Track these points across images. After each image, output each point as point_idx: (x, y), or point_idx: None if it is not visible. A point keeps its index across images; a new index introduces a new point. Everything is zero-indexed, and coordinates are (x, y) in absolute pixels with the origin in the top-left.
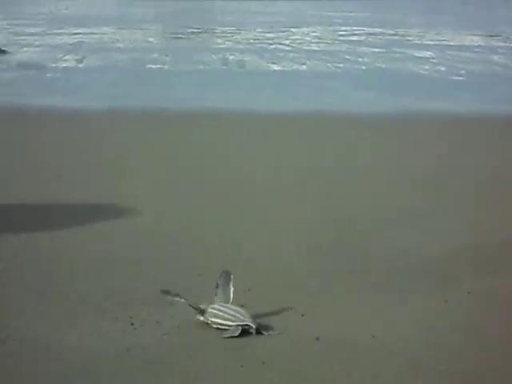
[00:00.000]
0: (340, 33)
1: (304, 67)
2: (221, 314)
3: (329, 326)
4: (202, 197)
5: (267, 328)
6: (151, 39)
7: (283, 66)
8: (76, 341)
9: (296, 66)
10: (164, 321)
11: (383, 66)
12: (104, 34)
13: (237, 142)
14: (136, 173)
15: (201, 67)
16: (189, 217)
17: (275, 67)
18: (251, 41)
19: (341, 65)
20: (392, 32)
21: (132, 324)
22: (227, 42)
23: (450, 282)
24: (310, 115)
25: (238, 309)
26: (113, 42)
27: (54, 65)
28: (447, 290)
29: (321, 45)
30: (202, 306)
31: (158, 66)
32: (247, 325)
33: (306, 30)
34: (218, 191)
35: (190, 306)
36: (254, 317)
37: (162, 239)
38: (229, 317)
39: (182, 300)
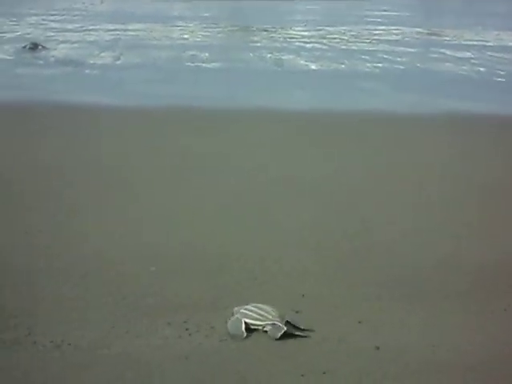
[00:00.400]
0: (376, 32)
1: (343, 67)
2: (250, 313)
3: (387, 335)
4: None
5: (296, 328)
6: (188, 36)
7: (321, 66)
8: (131, 347)
9: (334, 66)
10: (218, 326)
11: (422, 67)
12: (140, 30)
13: (276, 141)
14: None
15: (239, 65)
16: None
17: (313, 66)
18: (288, 39)
19: (380, 64)
20: (429, 32)
21: (187, 329)
22: (264, 40)
23: (506, 290)
24: (353, 115)
25: (268, 308)
26: (149, 39)
27: (91, 61)
28: (504, 298)
29: (358, 44)
30: (235, 309)
31: (196, 63)
32: (275, 324)
33: (342, 28)
34: (266, 191)
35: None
36: (283, 316)
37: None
38: (257, 316)
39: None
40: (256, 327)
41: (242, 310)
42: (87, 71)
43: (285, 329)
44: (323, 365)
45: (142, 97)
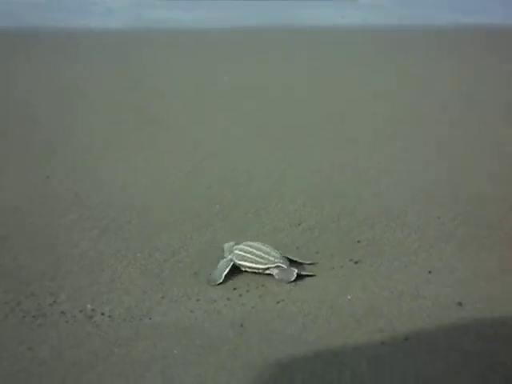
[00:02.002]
0: None
1: None
2: (248, 255)
3: (465, 288)
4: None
5: (300, 267)
6: None
7: None
8: (173, 314)
9: None
10: (270, 284)
11: None
12: None
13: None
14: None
15: None
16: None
17: None
18: None
19: None
20: None
21: (235, 289)
22: None
23: None
24: (357, 32)
25: (266, 248)
26: None
27: None
28: None
29: None
30: (225, 247)
31: None
32: (278, 266)
33: None
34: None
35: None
36: (284, 256)
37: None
38: (257, 259)
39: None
40: (256, 271)
41: (237, 252)
42: None
43: (296, 271)
44: (400, 327)
45: (140, 21)
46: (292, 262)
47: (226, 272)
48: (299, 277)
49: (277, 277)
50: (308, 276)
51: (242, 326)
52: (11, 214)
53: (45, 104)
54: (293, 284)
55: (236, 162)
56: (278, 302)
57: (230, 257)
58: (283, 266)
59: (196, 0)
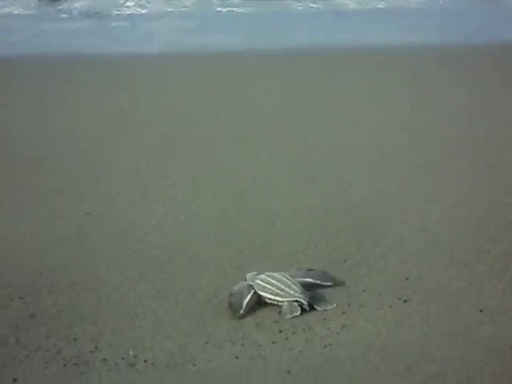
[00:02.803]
0: None
1: (383, 4)
2: (269, 287)
3: None
4: None
5: (321, 303)
6: None
7: (360, 4)
8: (218, 360)
9: (374, 3)
10: (316, 325)
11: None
12: None
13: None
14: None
15: (274, 8)
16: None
17: (352, 5)
18: None
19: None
20: None
21: (280, 332)
22: None
23: None
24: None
25: (288, 281)
26: None
27: (117, 13)
28: None
29: None
30: (247, 276)
31: (228, 8)
32: (298, 301)
33: None
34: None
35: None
36: (305, 290)
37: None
38: (278, 291)
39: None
40: (275, 302)
41: (259, 282)
42: (114, 23)
43: (298, 312)
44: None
45: (179, 46)
46: (313, 288)
47: (247, 300)
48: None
49: (280, 311)
50: (325, 310)
51: (288, 372)
52: (50, 252)
53: (88, 132)
54: (341, 326)
55: (277, 193)
56: (326, 346)
57: (250, 283)
58: (303, 301)
59: (233, 24)
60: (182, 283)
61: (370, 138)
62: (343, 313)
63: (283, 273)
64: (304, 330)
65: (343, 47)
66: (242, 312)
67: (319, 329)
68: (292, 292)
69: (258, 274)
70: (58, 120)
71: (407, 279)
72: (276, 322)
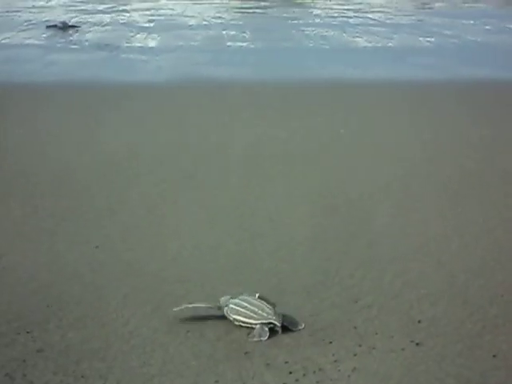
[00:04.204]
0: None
1: (393, 42)
2: (242, 310)
3: None
4: None
5: (294, 323)
6: (224, 15)
7: (370, 42)
8: None
9: (384, 41)
10: (326, 366)
11: (477, 39)
12: (173, 9)
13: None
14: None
15: (284, 44)
16: None
17: (362, 43)
18: (329, 14)
19: (431, 39)
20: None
21: (291, 373)
22: (304, 16)
23: None
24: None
25: (261, 304)
26: (184, 19)
27: (127, 45)
28: None
29: (404, 17)
30: (221, 300)
31: (238, 44)
32: (271, 323)
33: (383, 1)
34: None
35: (209, 307)
36: (279, 312)
37: None
38: (251, 314)
39: (200, 305)
40: (249, 325)
41: (232, 306)
42: (124, 55)
43: (266, 336)
44: None
45: (189, 78)
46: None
47: (199, 305)
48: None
49: (251, 335)
50: (292, 330)
51: None
52: (60, 285)
53: (98, 166)
54: (352, 369)
55: (294, 229)
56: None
57: (222, 303)
58: (276, 323)
59: (243, 58)
60: (194, 320)
61: (389, 168)
62: (354, 355)
63: (254, 296)
64: (314, 372)
65: (356, 81)
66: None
67: (330, 371)
68: (265, 314)
69: (232, 298)
70: (74, 148)
71: (419, 322)
72: (286, 362)
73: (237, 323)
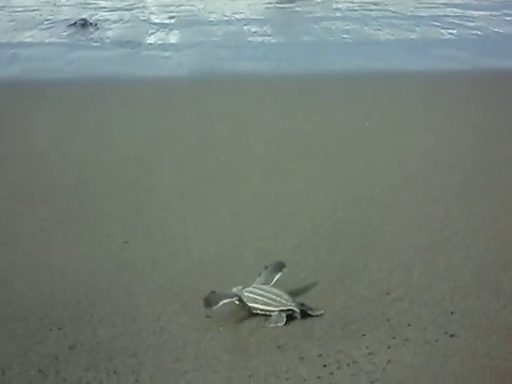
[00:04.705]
0: None
1: (414, 34)
2: (260, 298)
3: None
4: None
5: (313, 309)
6: (244, 10)
7: (392, 35)
8: None
9: (406, 34)
10: (360, 358)
11: (499, 30)
12: (193, 5)
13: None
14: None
15: (305, 38)
16: None
17: (383, 36)
18: (349, 6)
19: (453, 31)
20: None
21: (325, 366)
22: (324, 10)
23: None
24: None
25: (278, 291)
26: (204, 15)
27: (148, 41)
28: None
29: (426, 10)
30: (234, 290)
31: (260, 39)
32: (291, 309)
33: None
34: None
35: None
36: (296, 299)
37: None
38: (269, 301)
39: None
40: (268, 313)
41: (248, 294)
42: (145, 52)
43: (283, 321)
44: None
45: (210, 73)
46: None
47: (225, 302)
48: (307, 316)
49: (268, 321)
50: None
51: None
52: (89, 282)
53: (121, 164)
54: (386, 361)
55: (317, 224)
56: (373, 382)
57: (237, 292)
58: (296, 309)
59: (265, 53)
60: (224, 315)
61: (410, 161)
62: (388, 347)
63: (270, 286)
64: (349, 365)
65: (377, 74)
66: (214, 307)
67: (364, 364)
68: (284, 301)
69: (244, 288)
70: (95, 146)
71: (452, 313)
72: (320, 355)
73: (254, 311)
